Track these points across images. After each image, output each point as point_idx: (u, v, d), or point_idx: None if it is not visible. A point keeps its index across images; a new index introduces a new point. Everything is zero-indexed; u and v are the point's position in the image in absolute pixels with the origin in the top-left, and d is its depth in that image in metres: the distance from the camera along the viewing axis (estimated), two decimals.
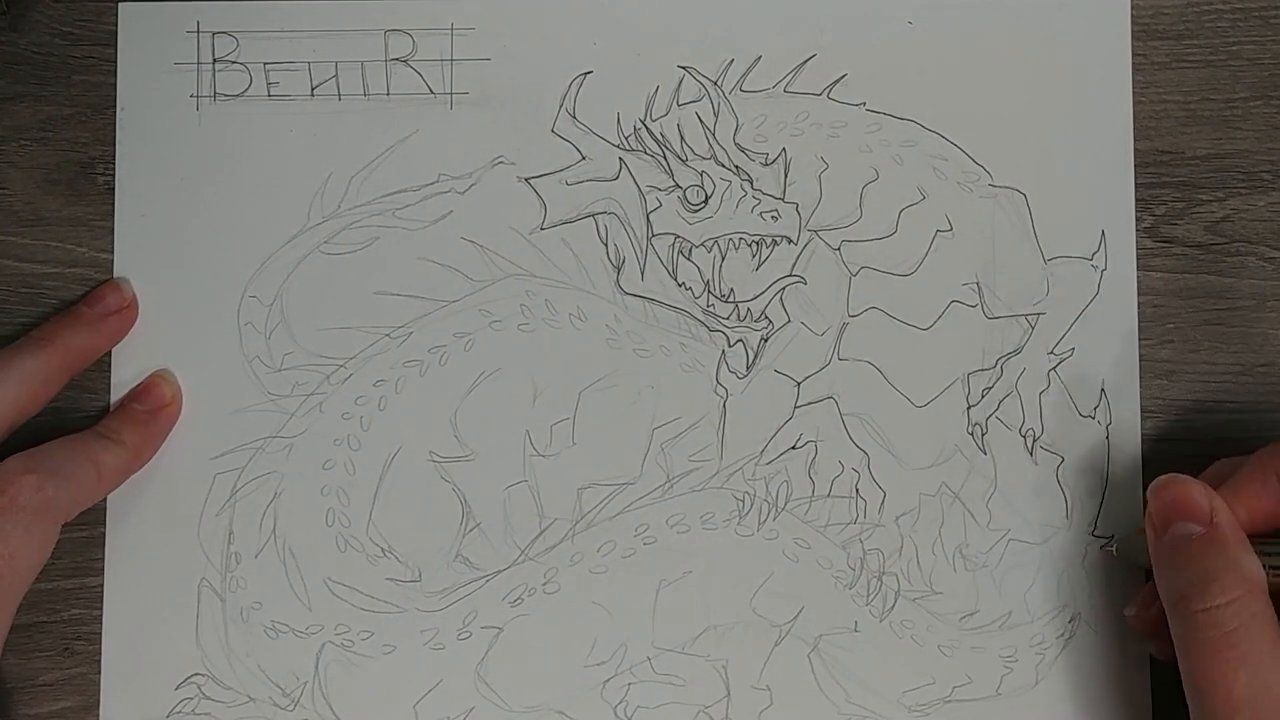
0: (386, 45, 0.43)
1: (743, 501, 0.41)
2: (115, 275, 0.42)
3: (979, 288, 0.42)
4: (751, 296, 0.42)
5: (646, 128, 0.42)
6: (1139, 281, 0.42)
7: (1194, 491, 0.35)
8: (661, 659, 0.41)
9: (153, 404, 0.41)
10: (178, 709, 0.41)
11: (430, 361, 0.42)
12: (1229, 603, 0.33)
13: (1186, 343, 0.42)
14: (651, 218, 0.42)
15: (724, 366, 0.42)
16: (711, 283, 0.42)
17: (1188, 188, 0.42)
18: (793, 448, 0.41)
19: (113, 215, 0.42)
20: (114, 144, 0.43)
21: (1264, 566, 0.34)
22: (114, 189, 0.42)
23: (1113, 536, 0.40)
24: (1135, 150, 0.42)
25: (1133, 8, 0.42)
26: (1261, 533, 0.36)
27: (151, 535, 0.42)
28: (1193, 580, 0.34)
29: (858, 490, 0.41)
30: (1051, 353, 0.41)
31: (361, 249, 0.42)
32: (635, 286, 0.42)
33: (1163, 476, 0.36)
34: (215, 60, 0.43)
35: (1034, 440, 0.41)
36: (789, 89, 0.42)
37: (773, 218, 0.42)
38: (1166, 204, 0.42)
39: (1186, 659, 0.34)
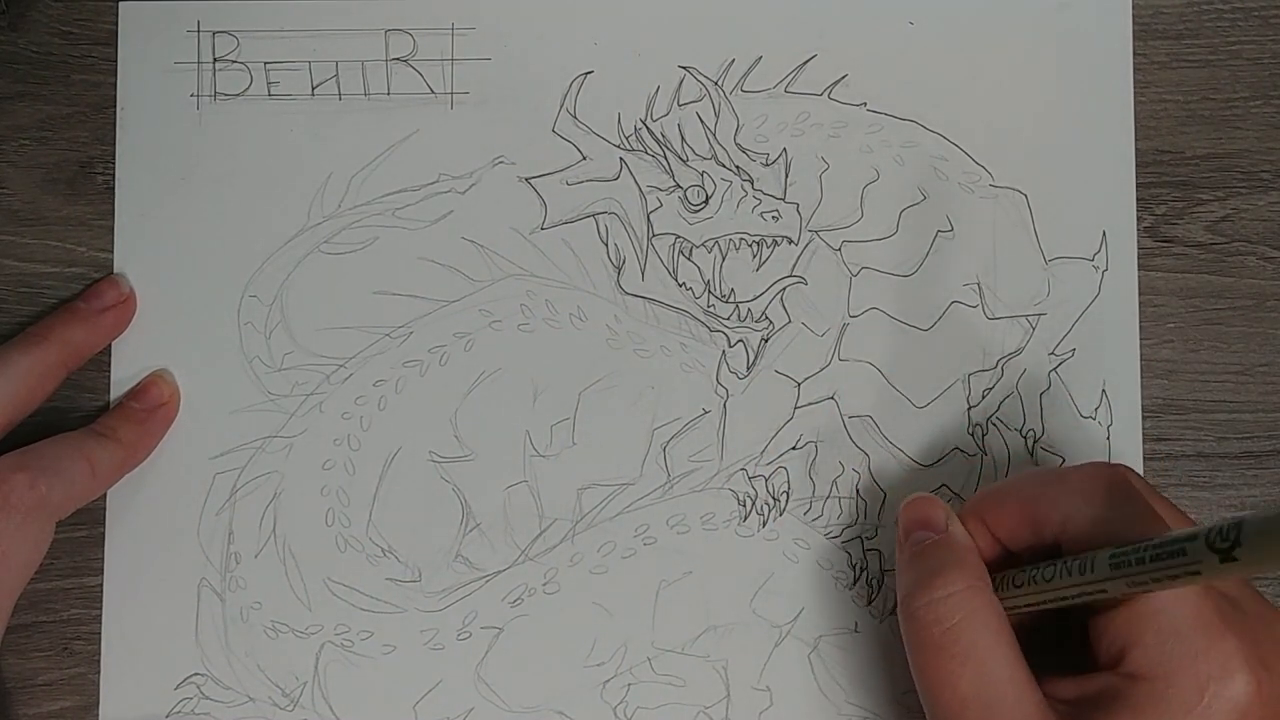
0: (387, 45, 0.43)
1: (743, 502, 0.41)
2: (114, 272, 0.42)
3: (980, 288, 0.42)
4: (752, 297, 0.42)
5: (647, 128, 0.42)
6: (1139, 281, 0.42)
7: (933, 508, 0.36)
8: (661, 659, 0.41)
9: (150, 402, 0.41)
10: (177, 709, 0.41)
11: (430, 361, 0.42)
12: (949, 595, 0.33)
13: (1186, 343, 0.42)
14: (652, 218, 0.42)
15: (724, 367, 0.42)
16: (712, 283, 0.42)
17: (1188, 188, 0.42)
18: (793, 448, 0.41)
19: (112, 215, 0.42)
20: (114, 144, 0.43)
21: (1001, 592, 0.34)
22: (114, 188, 0.42)
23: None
24: (1135, 150, 0.42)
25: (1133, 8, 0.42)
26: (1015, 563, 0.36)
27: (151, 535, 0.42)
28: (919, 578, 0.34)
29: (858, 491, 0.41)
30: (1052, 353, 0.41)
31: (361, 249, 0.42)
32: (636, 286, 0.42)
33: (910, 496, 0.37)
34: (215, 60, 0.43)
35: (1035, 441, 0.41)
36: (790, 89, 0.42)
37: (773, 218, 0.42)
38: (1167, 204, 0.42)
39: (913, 657, 0.34)
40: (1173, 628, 0.31)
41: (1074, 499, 0.34)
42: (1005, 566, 0.35)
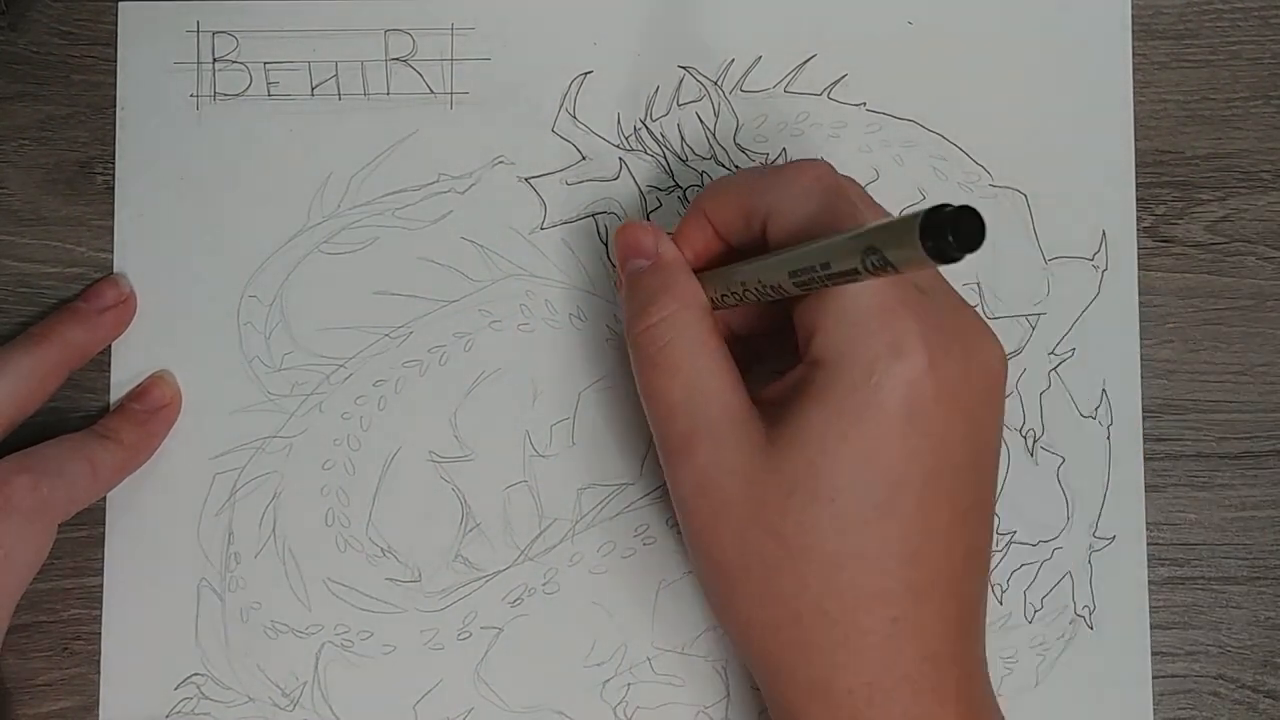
0: (386, 45, 0.43)
1: None
2: (114, 272, 0.42)
3: (979, 288, 0.42)
4: None
5: (647, 128, 0.42)
6: (1138, 281, 0.42)
7: (642, 233, 0.37)
8: (661, 659, 0.41)
9: (151, 404, 0.41)
10: (177, 709, 0.41)
11: (430, 361, 0.42)
12: (662, 319, 0.35)
13: (1186, 343, 0.42)
14: (652, 218, 0.42)
15: None
16: None
17: (1188, 188, 0.42)
18: None
19: (112, 215, 0.42)
20: (114, 144, 0.43)
21: (710, 293, 0.35)
22: (113, 188, 0.42)
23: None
24: (1135, 150, 0.42)
25: (1133, 8, 0.42)
26: (711, 267, 0.37)
27: (151, 535, 0.42)
28: (637, 306, 0.36)
29: None
30: (1052, 353, 0.41)
31: (361, 249, 0.42)
32: None
33: (622, 224, 0.38)
34: (215, 60, 0.43)
35: (1034, 440, 0.41)
36: (789, 89, 0.42)
37: None
38: (1166, 204, 0.42)
39: (636, 378, 0.36)
40: (852, 310, 0.32)
41: (781, 191, 0.34)
42: (727, 260, 0.36)
